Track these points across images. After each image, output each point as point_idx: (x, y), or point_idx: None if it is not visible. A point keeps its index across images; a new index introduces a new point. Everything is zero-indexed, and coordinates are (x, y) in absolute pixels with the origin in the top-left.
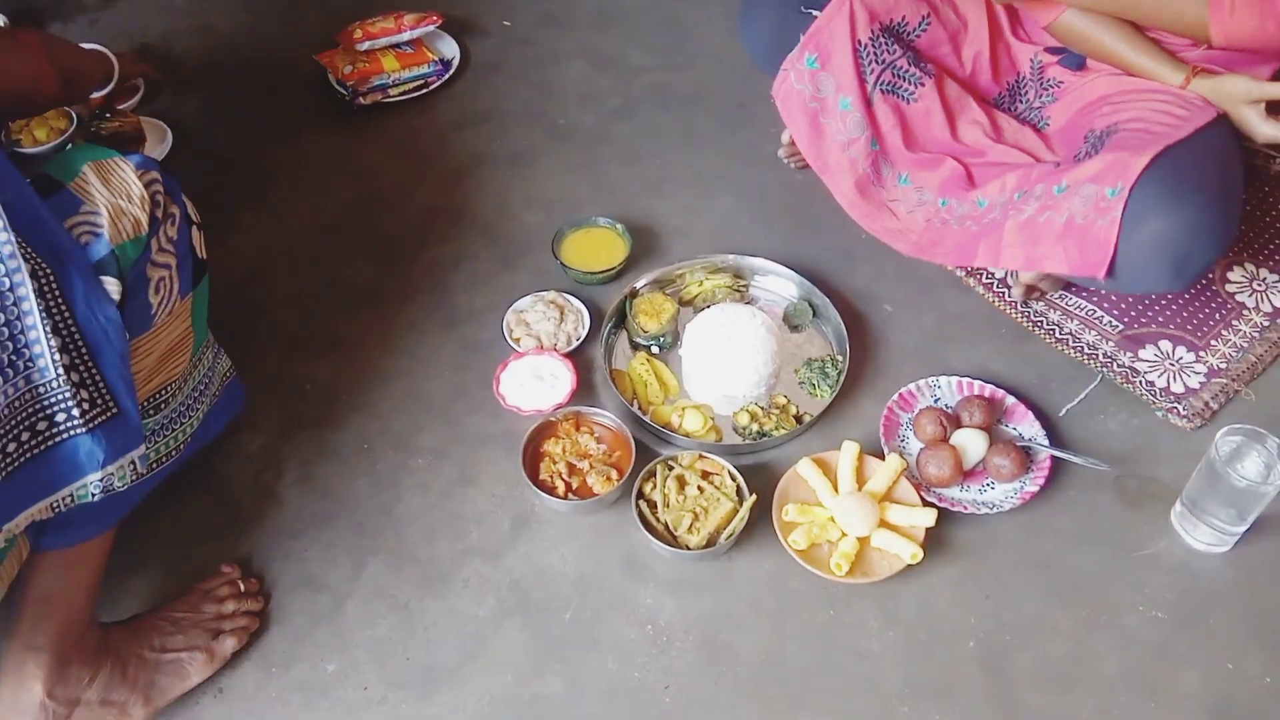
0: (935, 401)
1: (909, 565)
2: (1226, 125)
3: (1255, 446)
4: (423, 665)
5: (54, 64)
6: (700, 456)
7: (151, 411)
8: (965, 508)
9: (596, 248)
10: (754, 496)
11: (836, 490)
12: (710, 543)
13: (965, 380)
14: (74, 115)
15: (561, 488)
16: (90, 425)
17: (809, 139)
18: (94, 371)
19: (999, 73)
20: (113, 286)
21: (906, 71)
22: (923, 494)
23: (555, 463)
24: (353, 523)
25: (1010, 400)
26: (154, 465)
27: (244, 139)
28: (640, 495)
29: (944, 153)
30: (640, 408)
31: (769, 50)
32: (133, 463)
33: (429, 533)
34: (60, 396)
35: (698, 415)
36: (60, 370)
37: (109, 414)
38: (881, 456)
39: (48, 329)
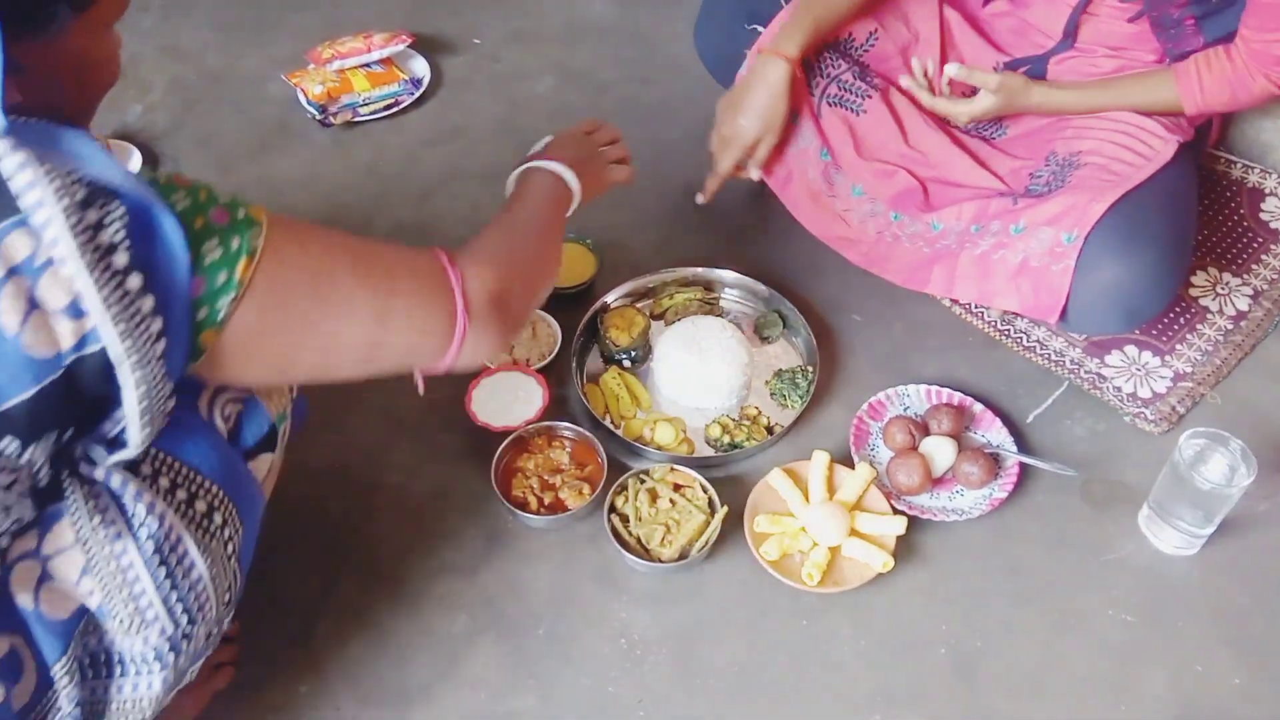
0: (904, 410)
1: (880, 574)
2: (1185, 162)
3: (1219, 449)
4: (396, 684)
5: None
6: (672, 469)
7: None
8: (935, 515)
9: (566, 263)
10: (726, 508)
11: (808, 500)
12: (683, 555)
13: (933, 388)
14: None
15: (534, 503)
16: None
17: None
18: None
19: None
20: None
21: (852, 85)
22: (893, 502)
23: (527, 478)
24: (323, 542)
25: (978, 407)
26: None
27: (213, 159)
28: (612, 509)
29: (899, 164)
30: (612, 422)
31: (721, 65)
32: None
33: (401, 551)
34: None
35: (669, 428)
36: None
37: None
38: (852, 466)
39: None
